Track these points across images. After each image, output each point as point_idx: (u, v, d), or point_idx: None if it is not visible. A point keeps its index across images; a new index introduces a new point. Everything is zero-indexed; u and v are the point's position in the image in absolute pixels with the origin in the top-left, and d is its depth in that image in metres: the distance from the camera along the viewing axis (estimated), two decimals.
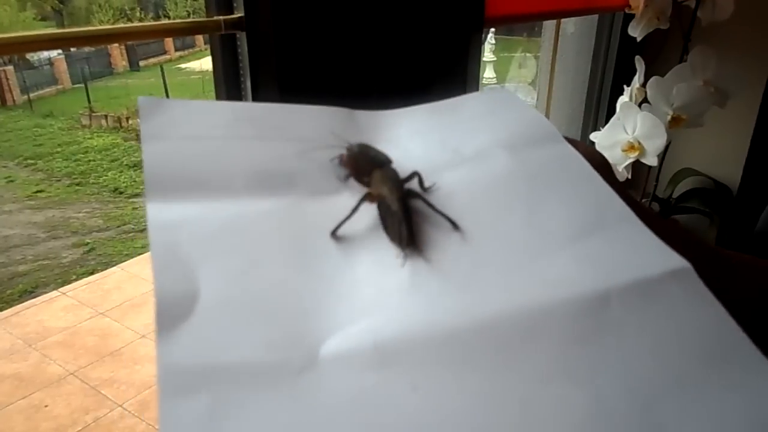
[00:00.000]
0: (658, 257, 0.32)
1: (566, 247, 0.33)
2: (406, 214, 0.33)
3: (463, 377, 0.26)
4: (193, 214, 0.30)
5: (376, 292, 0.29)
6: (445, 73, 0.64)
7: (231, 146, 0.35)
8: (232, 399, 0.23)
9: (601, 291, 0.30)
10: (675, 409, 0.25)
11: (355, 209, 0.32)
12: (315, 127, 0.37)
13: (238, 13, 0.52)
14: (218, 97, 0.56)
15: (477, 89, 0.68)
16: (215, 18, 0.50)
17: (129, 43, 10.04)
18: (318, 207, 0.33)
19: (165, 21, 0.50)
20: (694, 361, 0.28)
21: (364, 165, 0.35)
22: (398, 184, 0.35)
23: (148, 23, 0.55)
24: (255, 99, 0.54)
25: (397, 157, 0.36)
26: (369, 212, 0.33)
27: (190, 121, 0.36)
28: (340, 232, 0.32)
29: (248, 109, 0.41)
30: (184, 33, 0.51)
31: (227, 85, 0.55)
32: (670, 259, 0.32)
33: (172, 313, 0.26)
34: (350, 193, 0.34)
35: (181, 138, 0.34)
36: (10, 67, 8.88)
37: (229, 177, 0.33)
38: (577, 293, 0.30)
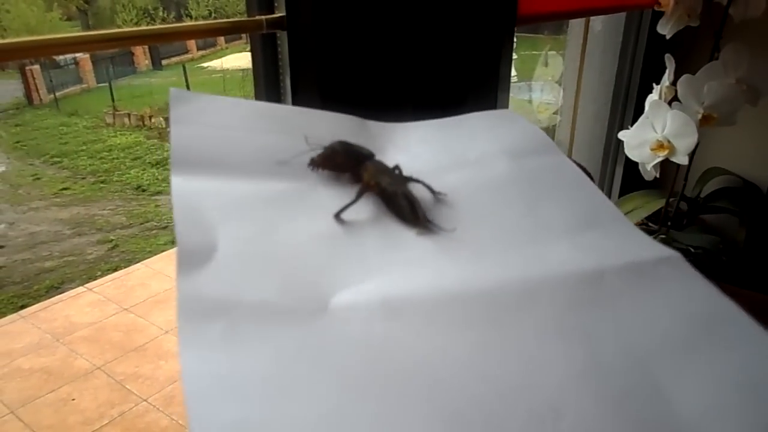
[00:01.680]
0: (649, 247, 0.34)
1: (563, 237, 0.35)
2: (413, 197, 0.36)
3: (466, 332, 0.28)
4: (214, 187, 0.33)
5: (385, 262, 0.32)
6: (477, 72, 0.64)
7: (252, 136, 0.38)
8: (245, 328, 0.25)
9: (595, 269, 0.32)
10: (670, 367, 0.27)
11: (359, 195, 0.35)
12: (329, 130, 0.39)
13: (280, 13, 0.53)
14: (257, 95, 0.57)
15: (508, 89, 0.68)
16: (257, 17, 0.51)
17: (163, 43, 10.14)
18: (330, 193, 0.36)
19: (209, 21, 0.51)
20: (686, 326, 0.29)
21: (347, 159, 0.37)
22: (394, 173, 0.37)
23: (190, 23, 0.56)
24: (294, 97, 0.55)
25: (404, 160, 0.39)
26: (367, 201, 0.36)
27: (216, 112, 0.38)
28: (344, 216, 0.34)
29: (269, 108, 0.45)
30: (225, 32, 0.52)
31: (266, 83, 0.55)
32: (660, 249, 0.34)
33: (192, 258, 0.28)
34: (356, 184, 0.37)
35: (206, 125, 0.37)
36: (37, 67, 9.03)
37: (248, 161, 0.36)
38: (573, 270, 0.32)
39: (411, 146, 0.42)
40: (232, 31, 0.52)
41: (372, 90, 0.57)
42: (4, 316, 2.76)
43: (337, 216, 0.34)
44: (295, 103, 0.55)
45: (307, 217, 0.34)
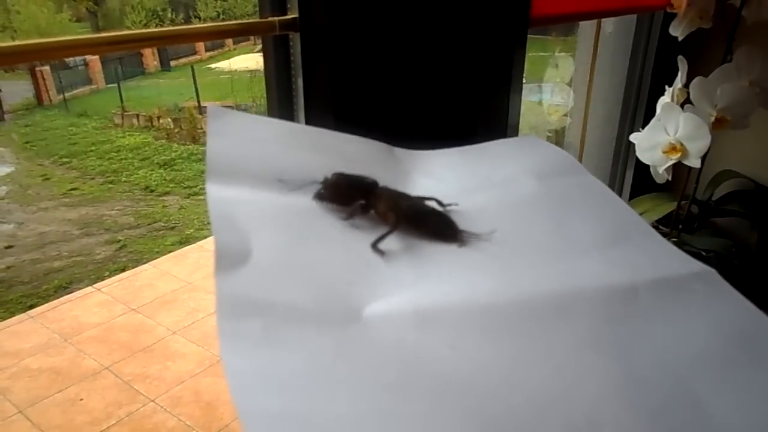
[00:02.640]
0: (681, 262, 0.34)
1: (593, 252, 0.35)
2: (444, 214, 0.37)
3: (499, 342, 0.28)
4: (247, 197, 0.34)
5: (416, 276, 0.32)
6: (489, 73, 0.64)
7: (284, 153, 0.39)
8: (283, 328, 0.26)
9: (628, 284, 0.32)
10: (708, 382, 0.26)
11: (395, 226, 0.35)
12: (358, 154, 0.41)
13: (293, 14, 0.52)
14: (269, 99, 0.57)
15: (520, 90, 0.68)
16: (269, 19, 0.51)
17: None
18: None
19: (222, 22, 0.51)
20: (723, 342, 0.29)
21: (352, 191, 0.36)
22: (408, 195, 0.37)
23: (203, 25, 0.56)
24: (306, 100, 0.55)
25: (430, 185, 0.40)
26: (388, 225, 0.36)
27: (250, 129, 0.40)
28: (381, 245, 0.34)
29: (301, 128, 0.47)
30: (237, 34, 0.52)
31: (278, 86, 0.55)
32: (694, 264, 0.34)
33: (229, 259, 0.29)
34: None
35: (241, 139, 0.38)
36: (47, 68, 9.08)
37: (282, 176, 0.36)
38: (606, 284, 0.32)
39: (436, 171, 0.43)
40: (244, 33, 0.52)
41: (385, 91, 0.56)
42: (13, 316, 2.77)
43: (375, 246, 0.34)
44: (307, 107, 0.55)
45: (338, 233, 0.35)
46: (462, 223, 0.36)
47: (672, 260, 0.35)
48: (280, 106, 0.57)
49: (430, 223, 0.36)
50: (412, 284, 0.31)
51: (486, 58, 0.63)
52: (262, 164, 0.37)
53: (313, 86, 0.54)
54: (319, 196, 0.36)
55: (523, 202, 0.39)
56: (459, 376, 0.25)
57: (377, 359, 0.26)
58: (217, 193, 0.33)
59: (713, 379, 0.27)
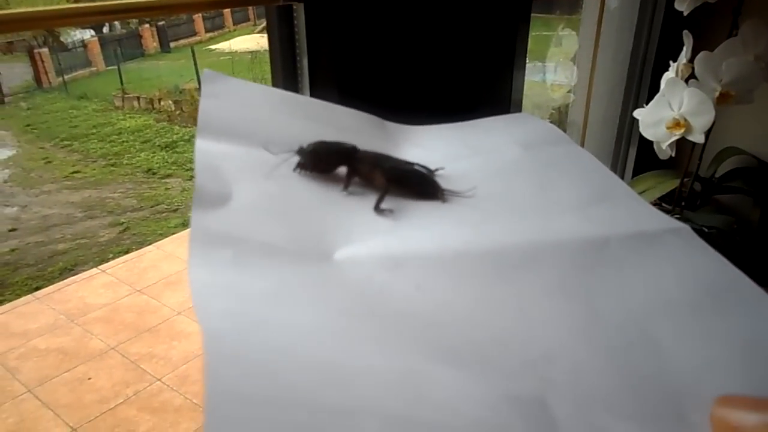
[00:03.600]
0: (658, 220, 0.35)
1: (573, 211, 0.36)
2: (424, 173, 0.38)
3: (465, 285, 0.29)
4: (234, 152, 0.35)
5: (392, 226, 0.33)
6: (493, 49, 0.64)
7: (274, 117, 0.40)
8: (253, 258, 0.27)
9: (602, 235, 0.33)
10: (670, 326, 0.27)
11: (386, 188, 0.36)
12: (350, 123, 0.42)
13: None
14: (274, 74, 0.57)
15: (524, 66, 0.68)
16: None
17: (161, 23, 10.09)
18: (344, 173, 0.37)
19: None
20: (690, 290, 0.29)
21: (333, 157, 0.37)
22: (390, 157, 0.38)
23: None
24: (311, 77, 0.54)
25: (418, 154, 0.40)
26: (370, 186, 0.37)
27: (243, 94, 0.40)
28: (382, 206, 0.35)
29: (294, 97, 0.47)
30: (241, 3, 0.51)
31: (284, 64, 0.55)
32: (670, 222, 0.35)
33: (208, 201, 0.30)
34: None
35: (234, 103, 0.39)
36: (45, 50, 9.03)
37: (270, 138, 0.37)
38: (579, 236, 0.33)
39: (426, 142, 0.43)
40: (247, 2, 0.51)
41: (389, 63, 0.56)
42: (19, 298, 2.79)
43: (378, 209, 0.34)
44: (312, 82, 0.55)
45: (320, 189, 0.36)
46: (446, 185, 0.37)
47: (648, 218, 0.35)
48: (285, 84, 0.56)
49: (412, 182, 0.36)
50: (387, 233, 0.32)
51: (490, 33, 0.63)
52: (252, 127, 0.38)
53: (318, 61, 0.54)
54: (300, 167, 0.36)
55: (507, 167, 0.40)
56: (422, 312, 0.26)
57: (343, 291, 0.27)
58: (204, 147, 0.34)
59: (675, 324, 0.27)
